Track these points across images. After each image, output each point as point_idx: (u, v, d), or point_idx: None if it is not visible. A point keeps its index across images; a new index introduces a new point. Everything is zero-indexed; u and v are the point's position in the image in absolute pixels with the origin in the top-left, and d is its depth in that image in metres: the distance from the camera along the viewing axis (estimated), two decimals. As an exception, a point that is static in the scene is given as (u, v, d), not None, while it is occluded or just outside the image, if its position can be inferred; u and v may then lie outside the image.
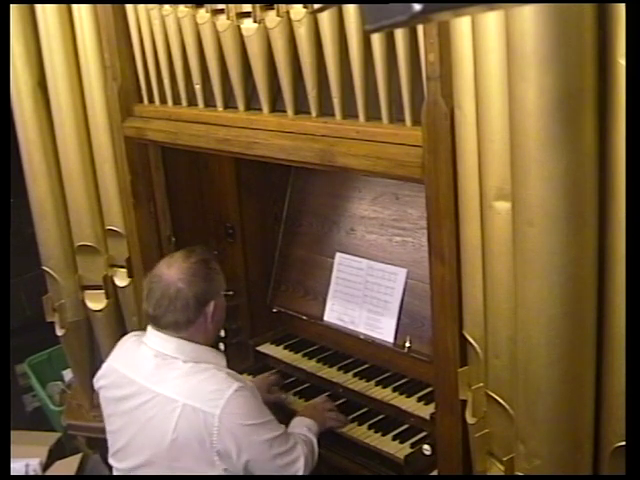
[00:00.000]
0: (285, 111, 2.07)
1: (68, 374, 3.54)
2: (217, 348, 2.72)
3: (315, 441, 2.13)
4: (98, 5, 2.42)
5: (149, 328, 2.05)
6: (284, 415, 2.25)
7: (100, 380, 2.14)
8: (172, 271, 1.99)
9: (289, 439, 2.01)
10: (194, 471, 1.92)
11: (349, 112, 1.93)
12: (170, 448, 1.91)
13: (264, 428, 1.94)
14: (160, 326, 2.01)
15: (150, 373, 1.98)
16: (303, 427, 2.16)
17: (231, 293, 2.20)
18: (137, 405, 1.98)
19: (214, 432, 1.87)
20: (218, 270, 2.08)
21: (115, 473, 2.13)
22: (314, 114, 2.00)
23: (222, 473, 1.92)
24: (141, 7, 2.31)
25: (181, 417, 1.89)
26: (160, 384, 1.95)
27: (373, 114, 1.88)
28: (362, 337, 2.51)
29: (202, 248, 2.15)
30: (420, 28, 1.66)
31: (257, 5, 1.97)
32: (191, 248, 2.16)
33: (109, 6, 2.40)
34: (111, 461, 2.13)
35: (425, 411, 2.26)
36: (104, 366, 2.15)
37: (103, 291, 2.77)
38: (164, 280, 1.98)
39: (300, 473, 2.00)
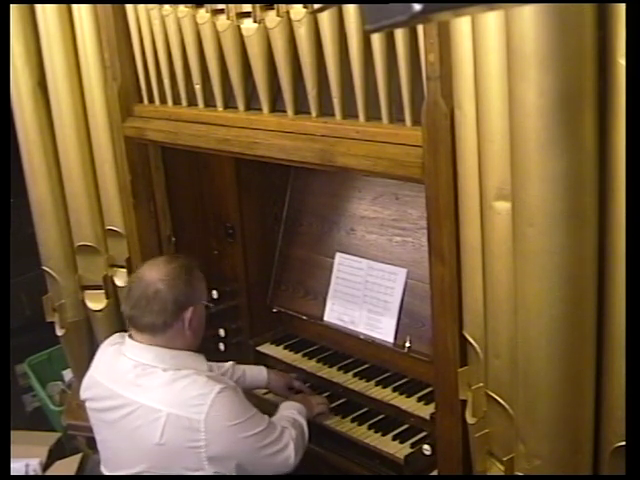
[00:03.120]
0: (285, 111, 2.07)
1: (68, 374, 3.53)
2: (217, 349, 2.76)
3: (305, 424, 2.14)
4: (98, 5, 2.42)
5: (127, 339, 2.04)
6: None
7: (85, 392, 2.12)
8: (153, 272, 1.97)
9: (276, 428, 2.01)
10: (184, 474, 1.91)
11: (349, 112, 1.93)
12: (158, 457, 1.91)
13: (250, 424, 1.94)
14: (137, 328, 1.99)
15: (131, 384, 1.96)
16: (292, 409, 2.18)
17: (211, 305, 2.18)
18: (122, 416, 1.96)
19: (202, 437, 1.86)
20: (201, 278, 2.06)
21: None
22: (314, 114, 2.00)
23: (212, 474, 1.91)
24: (141, 7, 2.31)
25: (166, 426, 1.87)
26: (142, 394, 1.93)
27: (373, 114, 1.88)
28: (362, 337, 2.50)
29: (186, 256, 2.14)
30: (420, 28, 1.66)
31: (257, 5, 1.97)
32: (175, 254, 2.16)
33: (109, 6, 2.40)
34: (102, 469, 2.12)
35: (425, 411, 2.26)
36: (86, 378, 2.13)
37: (103, 291, 2.77)
38: (144, 281, 1.97)
39: (292, 459, 2.01)
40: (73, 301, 2.84)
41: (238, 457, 1.92)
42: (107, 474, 2.11)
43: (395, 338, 2.41)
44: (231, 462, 1.91)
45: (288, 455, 2.00)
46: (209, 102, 2.29)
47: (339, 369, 2.57)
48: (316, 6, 1.84)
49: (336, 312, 2.59)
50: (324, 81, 1.94)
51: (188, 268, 2.03)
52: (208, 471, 1.90)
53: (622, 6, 1.24)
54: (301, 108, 2.05)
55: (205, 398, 1.88)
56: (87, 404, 2.13)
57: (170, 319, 1.96)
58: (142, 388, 1.94)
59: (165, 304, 1.95)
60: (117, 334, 2.16)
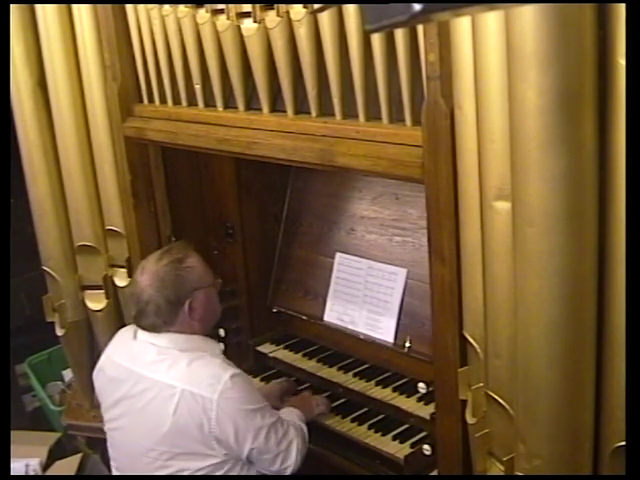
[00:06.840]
0: (285, 111, 2.07)
1: (68, 374, 3.53)
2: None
3: (306, 429, 2.16)
4: (98, 5, 2.42)
5: (139, 329, 2.08)
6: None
7: (98, 373, 2.16)
8: (144, 277, 2.02)
9: (283, 424, 2.04)
10: (194, 454, 1.94)
11: (349, 112, 1.93)
12: (169, 433, 1.93)
13: (260, 414, 1.97)
14: (142, 327, 2.05)
15: (148, 362, 2.00)
16: (293, 415, 2.20)
17: (219, 282, 2.18)
18: (137, 393, 2.00)
19: (212, 416, 1.90)
20: (192, 268, 2.05)
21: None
22: (314, 114, 2.00)
23: (223, 458, 1.95)
24: (141, 7, 2.31)
25: (180, 402, 1.91)
26: (158, 373, 1.97)
27: (373, 114, 1.88)
28: (362, 337, 2.51)
29: (180, 245, 2.15)
30: (420, 28, 1.66)
31: (257, 5, 1.97)
32: (168, 247, 2.19)
33: (109, 6, 2.40)
34: (112, 464, 2.14)
35: (425, 411, 2.26)
36: (102, 358, 2.17)
37: (103, 291, 2.77)
38: (138, 286, 2.03)
39: (293, 458, 2.03)
40: (73, 301, 2.84)
41: (251, 446, 1.95)
42: (115, 473, 2.12)
43: (395, 338, 2.41)
44: (241, 448, 1.94)
45: (290, 454, 2.03)
46: (209, 102, 2.29)
47: (339, 369, 2.57)
48: (316, 6, 1.84)
49: (336, 312, 2.59)
50: (324, 81, 1.94)
51: (177, 262, 2.03)
52: (218, 451, 1.93)
53: (622, 6, 1.24)
54: (301, 108, 2.05)
55: (219, 378, 1.92)
56: (100, 385, 2.15)
57: (168, 318, 2.02)
58: (158, 366, 1.98)
59: (159, 307, 2.00)
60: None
